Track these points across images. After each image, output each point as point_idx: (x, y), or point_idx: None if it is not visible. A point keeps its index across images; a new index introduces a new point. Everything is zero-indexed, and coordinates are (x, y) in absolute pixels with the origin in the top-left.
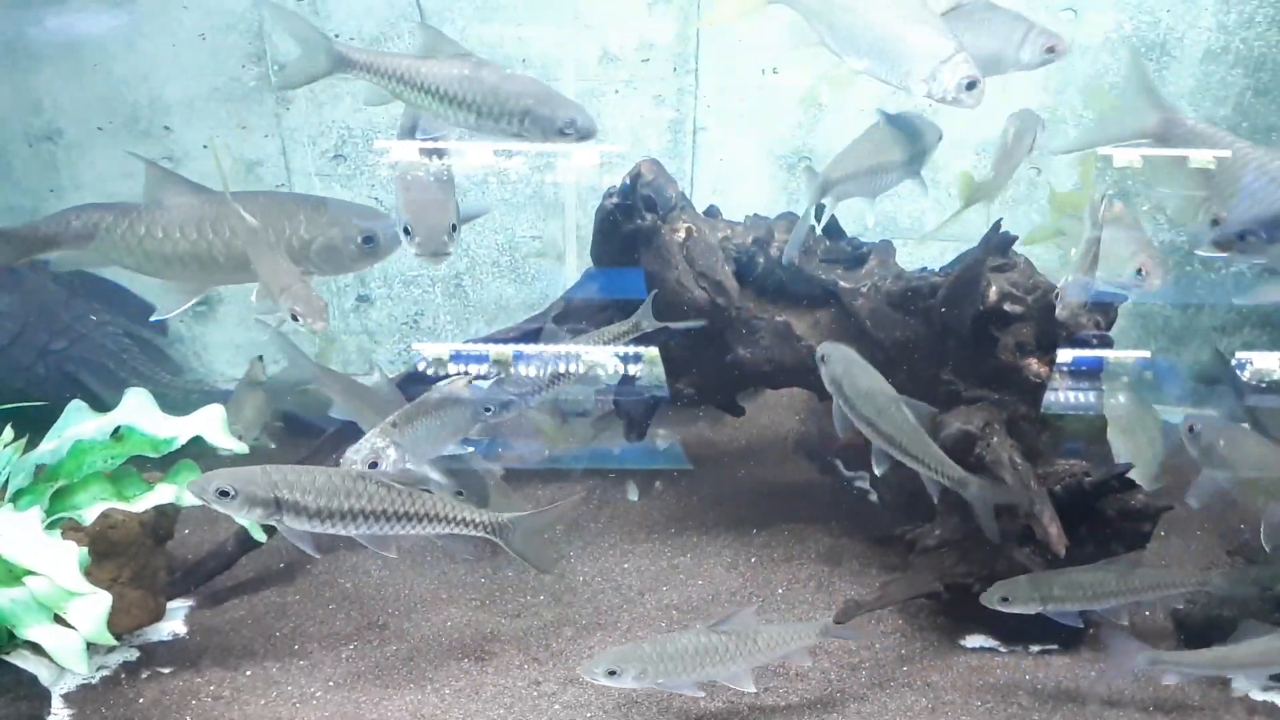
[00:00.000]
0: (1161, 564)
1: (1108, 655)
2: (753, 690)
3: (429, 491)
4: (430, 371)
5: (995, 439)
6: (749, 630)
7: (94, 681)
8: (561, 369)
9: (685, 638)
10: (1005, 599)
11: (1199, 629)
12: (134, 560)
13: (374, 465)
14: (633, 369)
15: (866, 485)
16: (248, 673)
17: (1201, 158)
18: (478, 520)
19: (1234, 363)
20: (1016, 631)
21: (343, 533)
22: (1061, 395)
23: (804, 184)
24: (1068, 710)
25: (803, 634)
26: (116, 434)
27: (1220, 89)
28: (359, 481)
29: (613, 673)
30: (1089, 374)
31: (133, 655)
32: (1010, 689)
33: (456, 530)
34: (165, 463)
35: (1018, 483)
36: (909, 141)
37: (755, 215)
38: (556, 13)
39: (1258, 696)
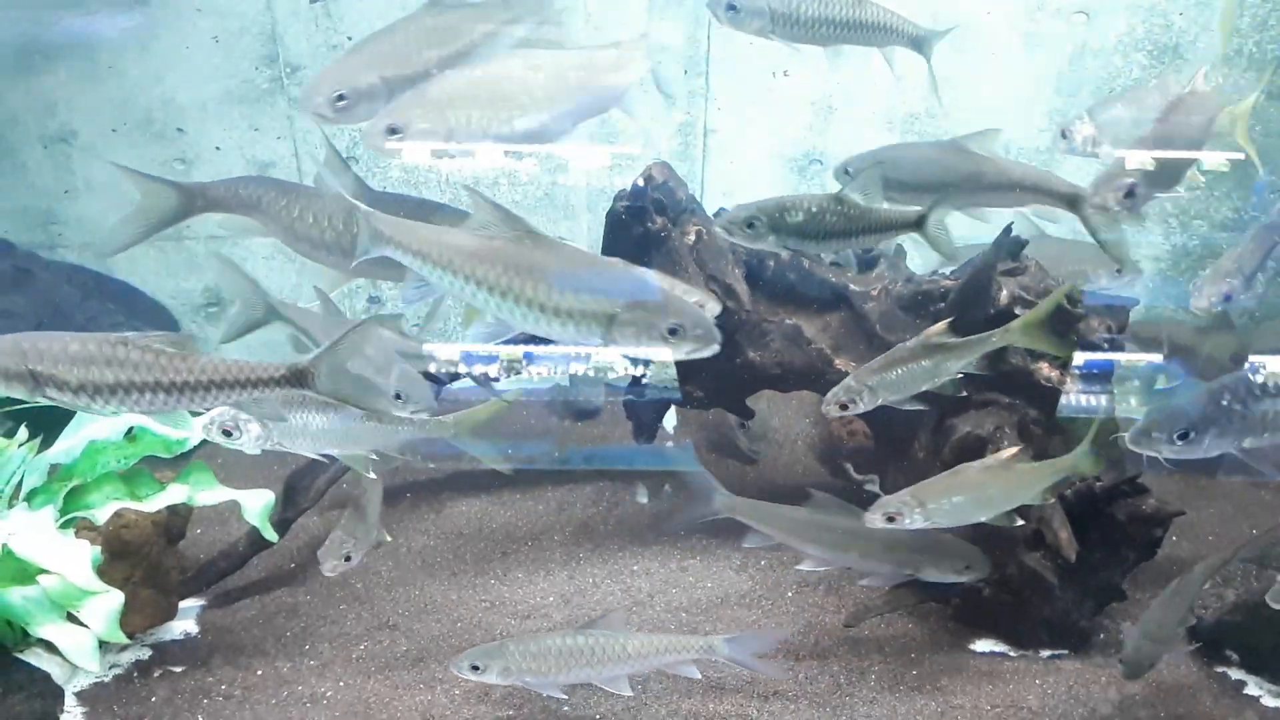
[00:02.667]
0: (1172, 567)
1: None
2: (628, 693)
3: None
4: (441, 372)
5: (1005, 442)
6: (620, 636)
7: (106, 680)
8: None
9: (552, 639)
10: None
11: (1210, 634)
12: (146, 559)
13: (228, 434)
14: (642, 371)
15: (877, 488)
16: (259, 672)
17: (1217, 160)
18: (271, 376)
19: (1246, 367)
20: (1026, 636)
21: (123, 410)
22: (1073, 399)
23: None
24: (1077, 715)
25: (683, 648)
26: (130, 434)
27: (1233, 92)
28: (124, 348)
29: (476, 668)
30: (1100, 378)
31: (145, 654)
32: (1020, 694)
33: (252, 394)
34: (178, 463)
35: None
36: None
37: None
38: (565, 15)
39: (1270, 703)
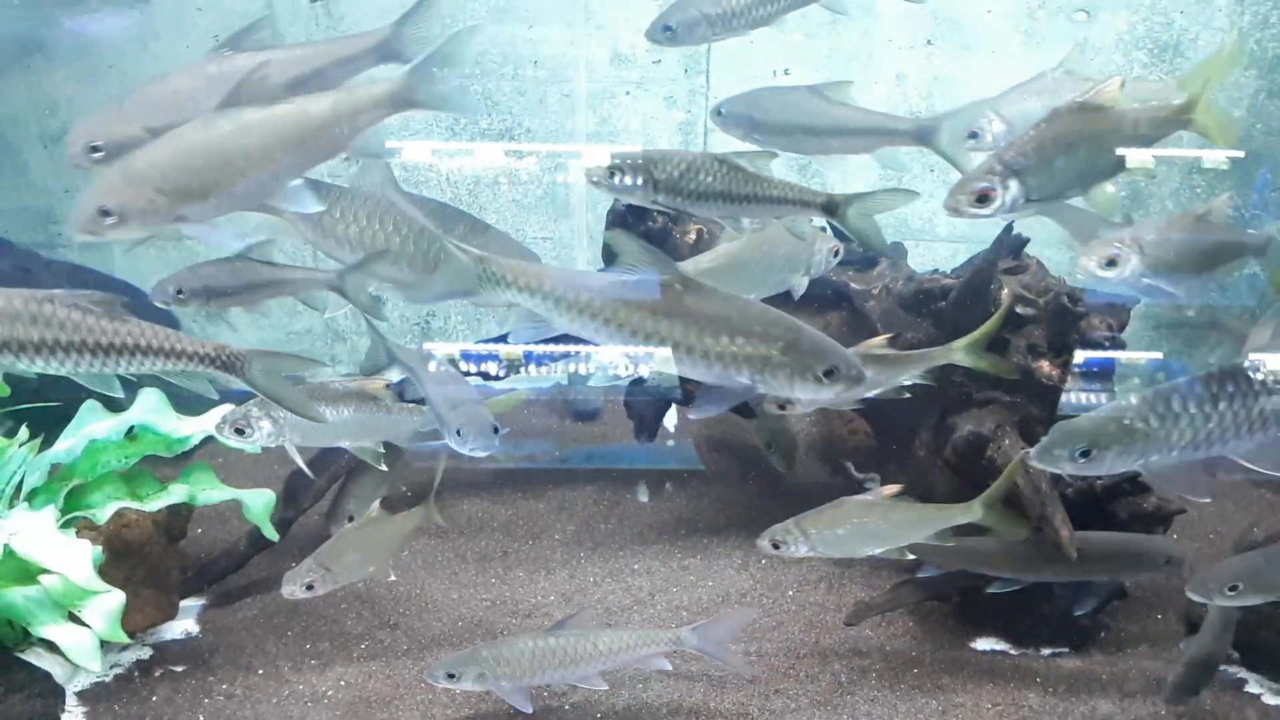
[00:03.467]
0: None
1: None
2: (604, 687)
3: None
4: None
5: (1007, 441)
6: (590, 634)
7: (107, 679)
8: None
9: (523, 642)
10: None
11: None
12: (147, 559)
13: (240, 432)
14: (644, 370)
15: (877, 487)
16: (260, 671)
17: (1217, 158)
18: (197, 352)
19: (1246, 365)
20: (1027, 634)
21: (48, 370)
22: (1074, 397)
23: None
24: (1079, 713)
25: (652, 641)
26: (130, 434)
27: (1234, 91)
28: (50, 306)
29: (452, 675)
30: (1101, 376)
31: (146, 653)
32: (1020, 692)
33: (176, 365)
34: (179, 462)
35: (1029, 485)
36: None
37: None
38: (568, 14)
39: (1270, 700)
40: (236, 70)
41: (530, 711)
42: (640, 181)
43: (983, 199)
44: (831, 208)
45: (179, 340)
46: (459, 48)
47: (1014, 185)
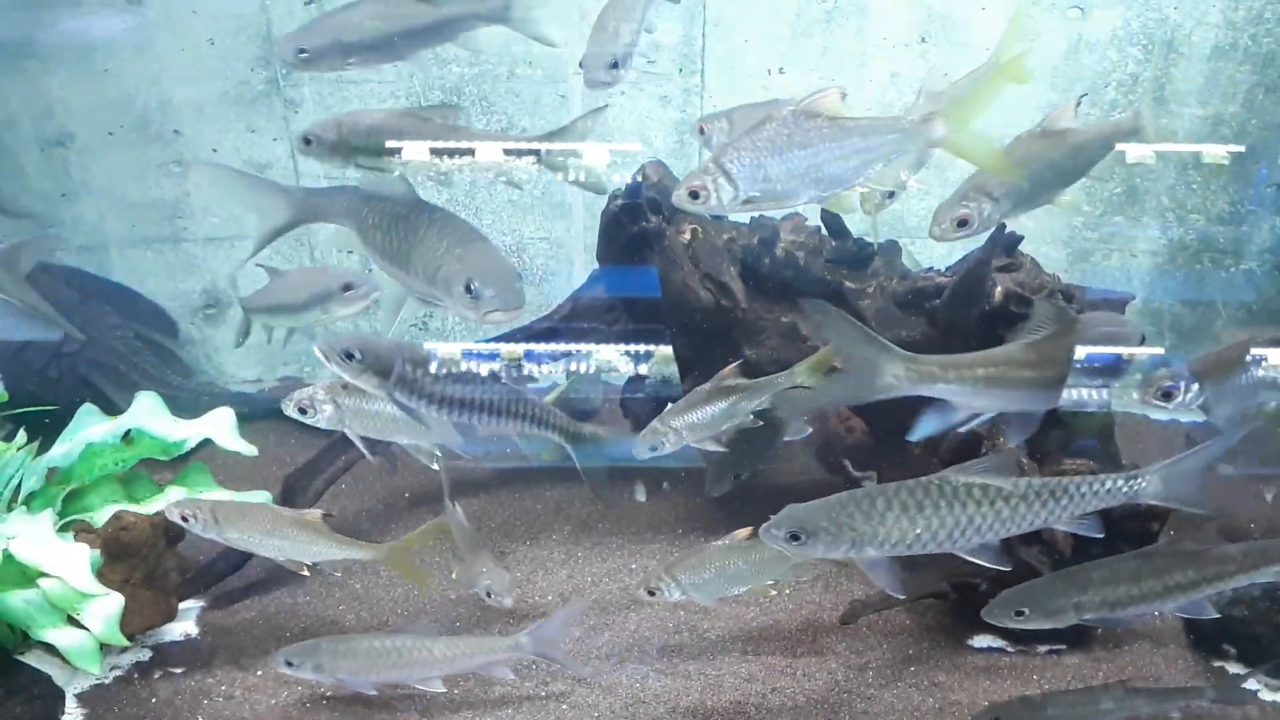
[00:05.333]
0: None
1: None
2: (440, 690)
3: None
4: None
5: (1001, 439)
6: (427, 640)
7: (107, 681)
8: None
9: (362, 640)
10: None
11: (1209, 630)
12: (145, 561)
13: (303, 411)
14: (642, 368)
15: (874, 485)
16: (259, 673)
17: (1215, 153)
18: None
19: (1249, 359)
20: (1025, 631)
21: None
22: (1069, 394)
23: None
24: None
25: (490, 649)
26: (127, 437)
27: (1229, 86)
28: None
29: (290, 664)
30: (1098, 372)
31: (145, 655)
32: (1018, 689)
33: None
34: (176, 465)
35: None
36: None
37: (761, 216)
38: (561, 13)
39: (1268, 697)
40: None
41: (374, 694)
42: (333, 148)
43: (962, 223)
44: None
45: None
46: None
47: (988, 207)
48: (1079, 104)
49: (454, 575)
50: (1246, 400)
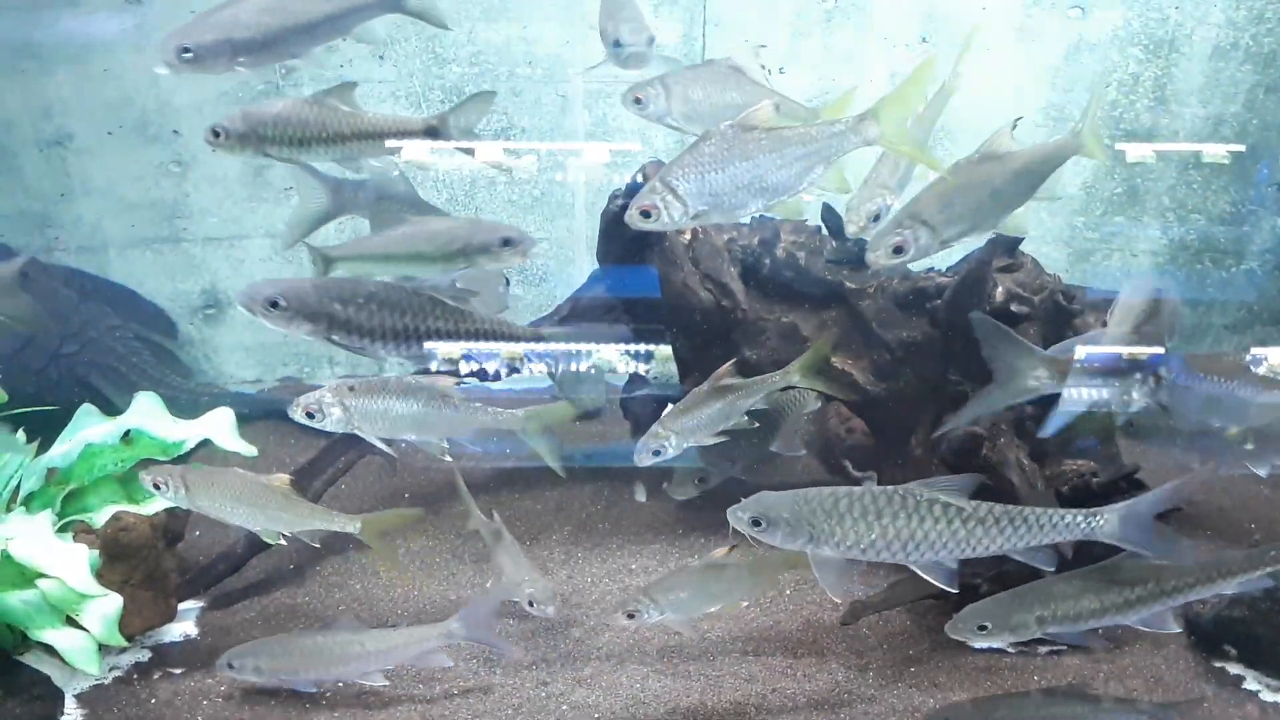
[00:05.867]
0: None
1: None
2: (384, 684)
3: None
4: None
5: (1002, 439)
6: (358, 635)
7: (106, 682)
8: None
9: (296, 640)
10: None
11: (1209, 630)
12: (145, 562)
13: (310, 416)
14: (642, 368)
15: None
16: None
17: (1216, 153)
18: None
19: (1248, 359)
20: None
21: None
22: (1072, 394)
23: None
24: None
25: (421, 637)
26: (127, 437)
27: (1229, 85)
28: None
29: (231, 666)
30: (1099, 372)
31: (144, 656)
32: (1018, 690)
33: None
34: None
35: (1025, 484)
36: None
37: (761, 216)
38: (563, 13)
39: (1268, 697)
40: None
41: (313, 691)
42: (241, 140)
43: (897, 250)
44: (433, 131)
45: None
46: None
47: (924, 234)
48: (1015, 127)
49: (488, 585)
50: (1211, 411)
